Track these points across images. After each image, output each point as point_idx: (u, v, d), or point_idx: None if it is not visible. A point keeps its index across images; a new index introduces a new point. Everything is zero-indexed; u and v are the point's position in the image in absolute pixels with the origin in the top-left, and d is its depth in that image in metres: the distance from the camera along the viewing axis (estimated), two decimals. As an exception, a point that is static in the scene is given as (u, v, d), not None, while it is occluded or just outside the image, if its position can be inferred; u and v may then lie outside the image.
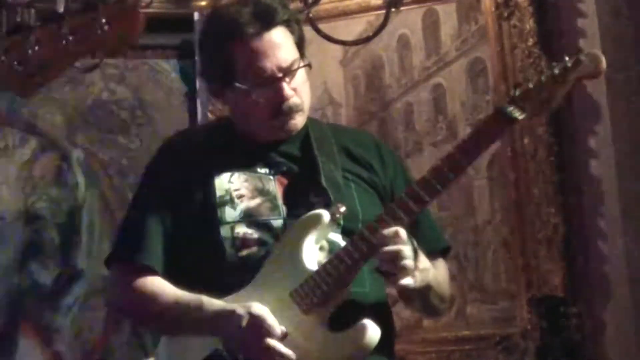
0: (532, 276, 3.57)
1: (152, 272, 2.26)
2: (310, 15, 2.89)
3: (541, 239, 3.57)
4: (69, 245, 4.08)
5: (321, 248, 2.22)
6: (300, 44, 2.34)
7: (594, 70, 2.10)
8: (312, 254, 2.19)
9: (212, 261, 2.23)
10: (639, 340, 3.44)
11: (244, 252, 2.23)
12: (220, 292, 2.19)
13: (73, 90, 4.19)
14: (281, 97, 2.27)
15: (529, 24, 3.66)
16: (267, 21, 2.28)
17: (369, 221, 2.17)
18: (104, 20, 1.59)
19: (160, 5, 3.59)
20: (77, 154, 4.16)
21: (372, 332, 2.11)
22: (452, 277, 2.56)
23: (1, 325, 3.98)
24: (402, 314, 3.06)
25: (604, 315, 3.49)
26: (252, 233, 2.24)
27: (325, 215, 2.20)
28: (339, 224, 2.22)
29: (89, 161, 4.16)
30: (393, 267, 2.12)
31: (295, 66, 2.29)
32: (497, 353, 3.59)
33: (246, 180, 2.29)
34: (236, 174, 2.29)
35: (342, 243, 2.20)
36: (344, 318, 2.14)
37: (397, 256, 2.11)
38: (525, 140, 3.61)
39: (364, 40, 3.36)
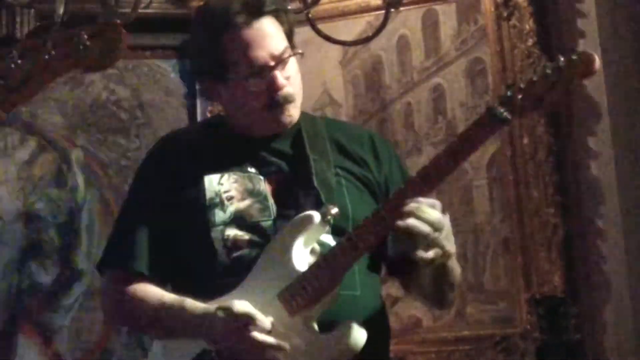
0: (532, 276, 3.58)
1: (142, 277, 2.26)
2: (310, 15, 2.89)
3: (541, 239, 3.58)
4: (69, 245, 4.07)
5: (312, 250, 2.20)
6: (289, 35, 2.33)
7: (587, 69, 2.09)
8: (303, 255, 2.18)
9: (204, 264, 2.23)
10: (638, 341, 3.44)
11: (235, 254, 2.22)
12: (212, 294, 2.18)
13: (72, 90, 4.19)
14: (275, 86, 2.26)
15: (529, 24, 3.66)
16: (256, 11, 2.27)
17: (359, 220, 2.16)
18: (86, 36, 1.59)
19: (160, 5, 3.59)
20: (76, 154, 4.16)
21: (357, 333, 2.10)
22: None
23: (1, 325, 3.97)
24: (402, 314, 3.06)
25: (603, 316, 3.50)
26: (243, 235, 2.23)
27: (316, 216, 2.19)
28: (329, 225, 2.21)
29: (89, 161, 4.16)
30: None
31: (287, 54, 2.29)
32: (497, 353, 3.59)
33: (236, 181, 2.27)
34: (226, 175, 2.28)
35: (333, 244, 2.19)
36: (335, 321, 2.13)
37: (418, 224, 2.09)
38: (525, 141, 3.61)
39: (364, 40, 3.36)
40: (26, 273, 4.03)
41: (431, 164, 2.13)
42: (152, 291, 2.25)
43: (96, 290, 3.97)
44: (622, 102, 3.53)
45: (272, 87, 2.26)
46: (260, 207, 2.25)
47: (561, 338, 3.52)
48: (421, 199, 2.10)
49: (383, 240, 2.20)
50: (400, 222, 2.08)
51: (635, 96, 3.55)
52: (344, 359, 2.12)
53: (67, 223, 4.09)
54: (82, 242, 4.08)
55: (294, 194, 2.27)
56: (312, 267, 2.15)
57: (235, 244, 2.22)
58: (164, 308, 2.21)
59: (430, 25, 3.85)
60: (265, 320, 2.11)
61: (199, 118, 4.07)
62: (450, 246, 2.18)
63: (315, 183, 2.26)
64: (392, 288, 2.70)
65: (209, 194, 2.26)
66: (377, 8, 3.70)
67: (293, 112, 2.31)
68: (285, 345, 2.10)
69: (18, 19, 3.87)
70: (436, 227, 2.10)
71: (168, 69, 4.30)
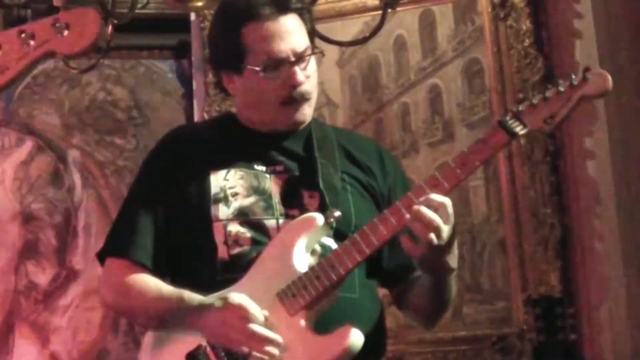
0: (529, 277, 3.58)
1: (142, 267, 2.26)
2: (307, 15, 2.89)
3: (537, 239, 3.58)
4: (66, 245, 4.07)
5: (313, 251, 2.20)
6: (311, 35, 2.34)
7: (600, 89, 2.09)
8: (303, 256, 2.18)
9: (204, 258, 2.23)
10: (634, 341, 3.44)
11: (236, 251, 2.22)
12: (210, 289, 2.18)
13: (70, 90, 4.19)
14: (294, 82, 2.25)
15: (525, 24, 3.66)
16: (282, 6, 2.28)
17: (361, 226, 2.16)
18: (64, 24, 1.59)
19: (157, 5, 3.59)
20: (73, 155, 4.16)
21: (354, 337, 2.10)
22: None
23: (-2, 325, 3.98)
24: (398, 314, 3.04)
25: (599, 316, 3.50)
26: (245, 232, 2.23)
27: (320, 218, 2.19)
28: (332, 228, 2.21)
29: (86, 162, 4.16)
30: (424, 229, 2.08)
31: (309, 52, 2.29)
32: (494, 353, 3.60)
33: (242, 178, 2.27)
34: (232, 171, 2.28)
35: (335, 247, 2.19)
36: (332, 323, 2.13)
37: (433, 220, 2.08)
38: (522, 141, 3.61)
39: (361, 41, 3.36)
40: (23, 273, 4.03)
41: (439, 172, 2.12)
42: (151, 282, 2.24)
43: (92, 290, 3.98)
44: (618, 103, 3.54)
45: (291, 82, 2.26)
46: (265, 205, 2.25)
47: (558, 338, 3.52)
48: (431, 195, 2.09)
49: (385, 245, 2.19)
50: (407, 215, 2.08)
51: (632, 97, 3.55)
52: None
53: (63, 223, 4.09)
54: (78, 243, 4.08)
55: (299, 194, 2.27)
56: (313, 268, 2.15)
57: (237, 240, 2.22)
58: (162, 299, 2.21)
59: (427, 26, 3.85)
60: (259, 313, 2.11)
61: (195, 118, 4.07)
62: (454, 262, 2.20)
63: (321, 186, 2.26)
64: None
65: (214, 188, 2.26)
66: (374, 8, 3.70)
67: (307, 111, 2.31)
68: (278, 338, 2.10)
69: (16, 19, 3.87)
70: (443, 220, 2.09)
71: (165, 69, 4.30)
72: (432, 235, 2.07)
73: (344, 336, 2.10)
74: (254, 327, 2.09)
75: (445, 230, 2.09)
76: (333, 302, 2.16)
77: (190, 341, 2.15)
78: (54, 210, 4.09)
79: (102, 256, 2.35)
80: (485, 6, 3.74)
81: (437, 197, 2.09)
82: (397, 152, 3.71)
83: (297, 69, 2.26)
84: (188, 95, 4.22)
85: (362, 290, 2.24)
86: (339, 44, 3.25)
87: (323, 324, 2.14)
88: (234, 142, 2.34)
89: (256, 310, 2.11)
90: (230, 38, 2.29)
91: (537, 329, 3.54)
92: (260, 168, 2.29)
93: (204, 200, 2.25)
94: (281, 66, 2.25)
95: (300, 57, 2.27)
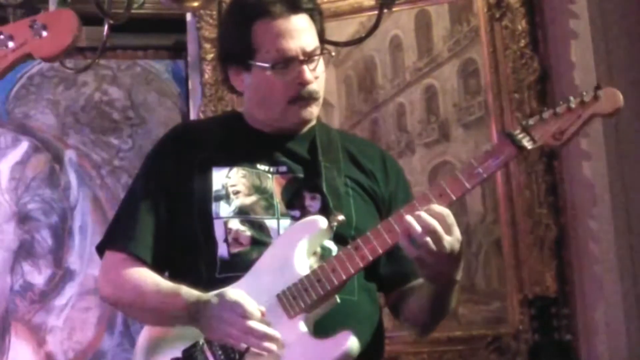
0: (524, 277, 3.58)
1: (141, 261, 2.26)
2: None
3: (533, 239, 3.58)
4: (61, 246, 4.07)
5: (314, 254, 2.20)
6: (321, 36, 2.34)
7: (611, 108, 2.09)
8: (305, 258, 2.17)
9: (204, 255, 2.23)
10: (629, 341, 3.45)
11: (236, 249, 2.22)
12: (209, 287, 2.17)
13: (65, 90, 4.19)
14: (302, 80, 2.26)
15: (521, 25, 3.67)
16: (294, 5, 2.29)
17: (362, 230, 2.16)
18: (41, 25, 1.58)
19: (153, 6, 3.59)
20: (69, 155, 4.16)
21: (351, 343, 2.09)
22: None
23: (-7, 325, 3.98)
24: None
25: (595, 316, 3.50)
26: (245, 230, 2.23)
27: (323, 222, 2.18)
28: (334, 232, 2.21)
29: (82, 162, 4.16)
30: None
31: (318, 52, 2.30)
32: (489, 353, 3.60)
33: (244, 176, 2.27)
34: (235, 169, 2.28)
35: (335, 249, 2.19)
36: (331, 325, 2.12)
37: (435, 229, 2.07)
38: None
39: (356, 41, 3.36)
40: (19, 273, 4.03)
41: (445, 182, 2.12)
42: (149, 276, 2.24)
43: (88, 290, 3.98)
44: (614, 103, 3.53)
45: (300, 80, 2.26)
46: (265, 204, 2.25)
47: (553, 338, 3.53)
48: (432, 206, 2.09)
49: (388, 250, 2.19)
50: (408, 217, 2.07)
51: (628, 97, 3.55)
52: None
53: (59, 224, 4.09)
54: (74, 243, 4.08)
55: (300, 196, 2.26)
56: (315, 272, 2.14)
57: (237, 238, 2.22)
58: (159, 293, 2.21)
59: (423, 26, 3.86)
60: (256, 309, 2.11)
61: (191, 118, 4.07)
62: (458, 275, 2.18)
63: (324, 189, 2.26)
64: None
65: (216, 185, 2.26)
66: (370, 9, 3.70)
67: (314, 111, 2.32)
68: (276, 333, 2.10)
69: (11, 20, 3.86)
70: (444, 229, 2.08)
71: (161, 70, 4.30)
72: (428, 239, 2.06)
73: (342, 341, 2.10)
74: (252, 323, 2.09)
75: (448, 240, 2.08)
76: (332, 306, 2.15)
77: (186, 338, 2.15)
78: (49, 211, 4.10)
79: (101, 249, 2.34)
80: (480, 6, 3.74)
81: (437, 207, 2.09)
82: (392, 152, 3.70)
83: (305, 67, 2.26)
84: (184, 96, 4.22)
85: (361, 293, 2.24)
86: (335, 44, 3.25)
87: (322, 326, 2.14)
88: (238, 141, 2.34)
89: (253, 307, 2.10)
90: (241, 34, 2.30)
91: (532, 329, 3.55)
92: (263, 168, 2.30)
93: (205, 197, 2.25)
94: (290, 64, 2.26)
95: (309, 57, 2.27)
